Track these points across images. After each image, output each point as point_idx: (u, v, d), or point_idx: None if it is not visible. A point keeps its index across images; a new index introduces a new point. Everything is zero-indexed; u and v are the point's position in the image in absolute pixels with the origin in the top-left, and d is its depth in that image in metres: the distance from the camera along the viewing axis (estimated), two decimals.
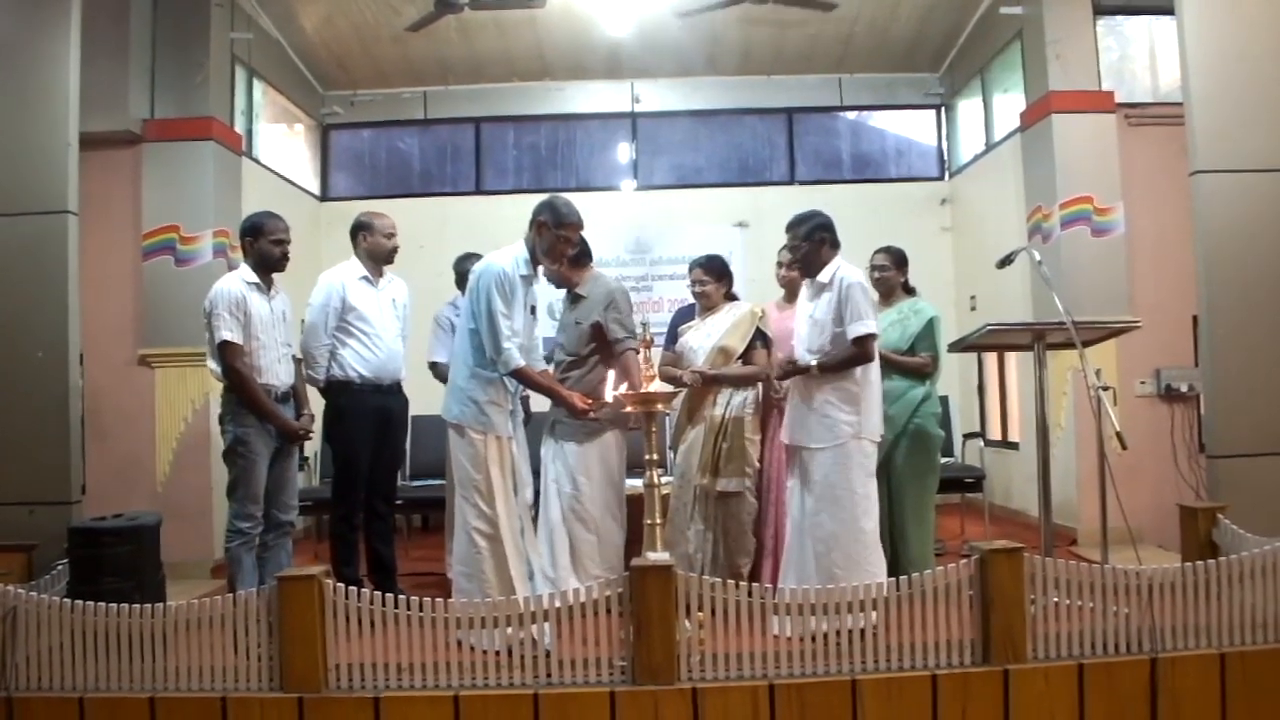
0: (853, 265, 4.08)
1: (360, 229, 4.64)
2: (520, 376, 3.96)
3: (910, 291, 4.80)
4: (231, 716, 3.06)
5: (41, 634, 3.16)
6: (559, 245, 3.98)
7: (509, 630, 3.14)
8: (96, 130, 5.42)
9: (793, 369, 4.07)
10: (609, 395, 3.71)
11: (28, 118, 4.54)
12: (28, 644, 3.16)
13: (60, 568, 3.79)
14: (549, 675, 3.10)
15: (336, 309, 4.49)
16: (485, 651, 3.16)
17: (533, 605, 3.16)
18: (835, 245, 4.11)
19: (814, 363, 3.97)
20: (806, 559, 3.92)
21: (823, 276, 4.05)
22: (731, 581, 3.19)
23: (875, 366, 4.01)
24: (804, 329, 4.12)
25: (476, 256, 4.65)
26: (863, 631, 3.16)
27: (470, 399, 3.88)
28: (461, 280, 4.63)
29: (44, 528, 4.25)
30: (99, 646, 3.14)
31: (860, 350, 3.90)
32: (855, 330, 3.88)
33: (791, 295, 4.69)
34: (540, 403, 4.60)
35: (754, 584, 3.18)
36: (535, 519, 4.73)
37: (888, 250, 4.81)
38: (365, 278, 4.58)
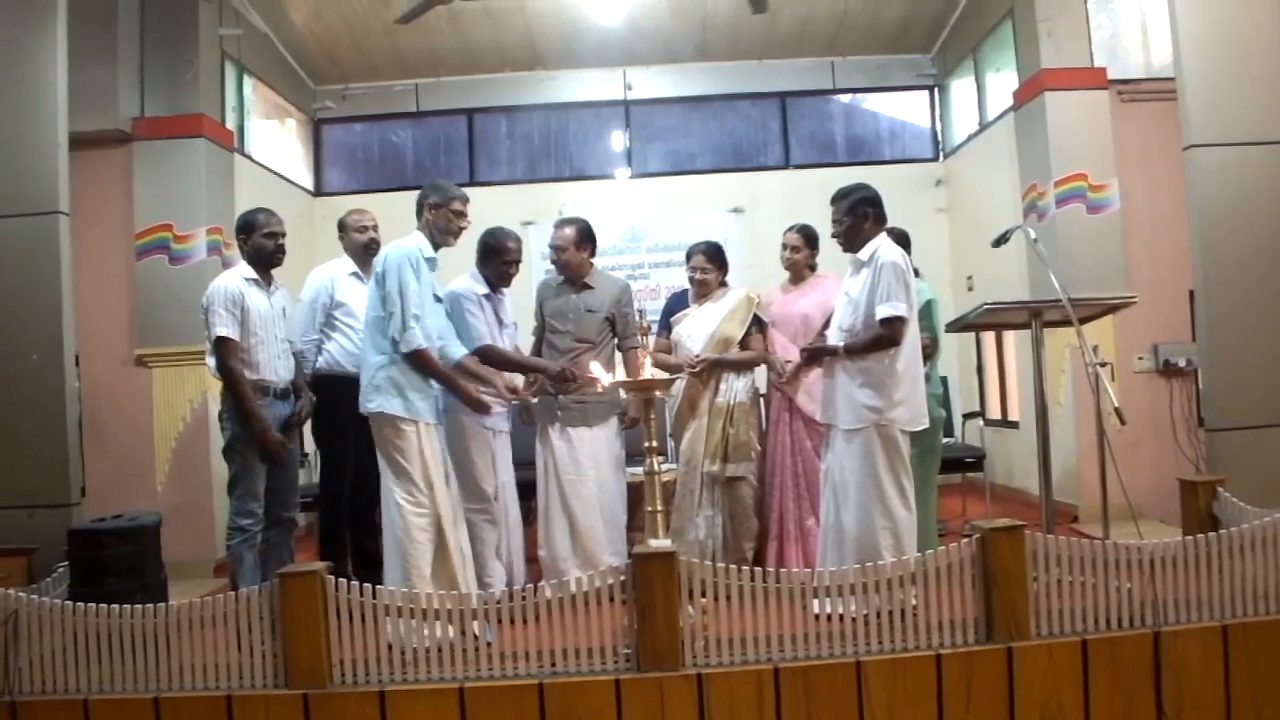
0: (892, 244, 3.95)
1: (340, 229, 4.72)
2: (420, 359, 3.74)
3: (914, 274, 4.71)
4: (237, 714, 3.06)
5: (44, 637, 3.15)
6: (455, 221, 3.98)
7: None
8: (86, 130, 5.41)
9: (819, 351, 4.04)
10: (605, 381, 3.77)
11: (16, 118, 4.52)
12: (30, 648, 3.15)
13: (61, 570, 3.78)
14: (553, 665, 3.10)
15: (325, 304, 4.54)
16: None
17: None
18: (880, 221, 3.98)
19: (840, 344, 3.90)
20: (844, 539, 3.87)
21: (863, 254, 3.94)
22: (734, 566, 3.18)
23: (909, 353, 3.85)
24: (841, 306, 4.04)
25: (501, 229, 4.61)
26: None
27: (395, 388, 3.72)
28: (483, 254, 4.53)
29: (44, 530, 4.24)
30: (102, 648, 3.14)
31: (887, 332, 3.77)
32: (883, 311, 3.76)
33: (797, 278, 4.69)
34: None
35: (756, 568, 3.17)
36: (530, 507, 4.73)
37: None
38: (355, 274, 4.61)
